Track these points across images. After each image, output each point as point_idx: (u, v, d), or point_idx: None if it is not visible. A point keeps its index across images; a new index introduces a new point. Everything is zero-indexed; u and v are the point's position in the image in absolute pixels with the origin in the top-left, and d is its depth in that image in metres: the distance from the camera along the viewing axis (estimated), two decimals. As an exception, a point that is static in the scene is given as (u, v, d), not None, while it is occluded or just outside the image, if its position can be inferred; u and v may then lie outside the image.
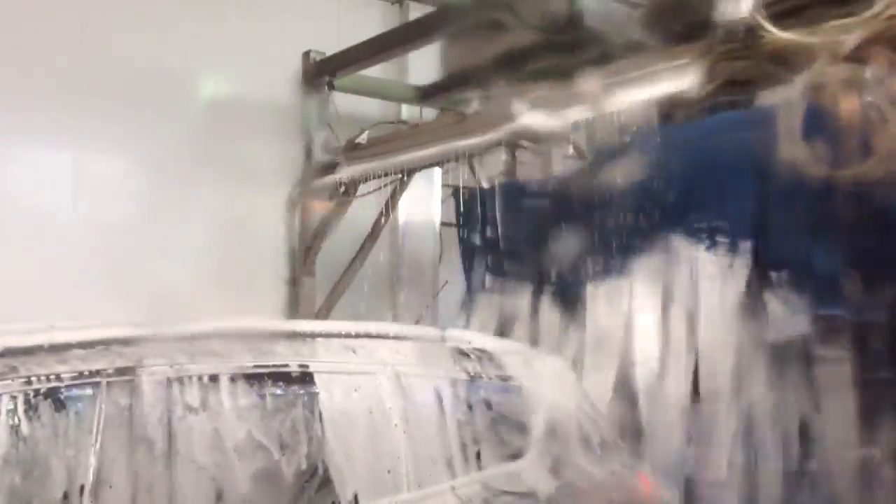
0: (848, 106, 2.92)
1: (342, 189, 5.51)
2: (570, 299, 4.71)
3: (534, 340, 4.81)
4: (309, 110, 5.68)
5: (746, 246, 3.87)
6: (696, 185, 4.07)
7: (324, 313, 5.55)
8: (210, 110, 6.37)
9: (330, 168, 5.40)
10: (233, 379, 2.48)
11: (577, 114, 3.47)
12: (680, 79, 3.11)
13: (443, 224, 6.87)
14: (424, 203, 7.03)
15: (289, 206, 5.82)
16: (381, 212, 6.04)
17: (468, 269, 5.66)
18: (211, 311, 2.79)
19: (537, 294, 4.92)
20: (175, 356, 2.43)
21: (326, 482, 2.52)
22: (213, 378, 2.45)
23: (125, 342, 2.39)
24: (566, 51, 4.49)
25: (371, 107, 6.37)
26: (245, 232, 6.42)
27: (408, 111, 6.49)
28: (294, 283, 5.79)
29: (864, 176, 2.75)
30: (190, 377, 2.41)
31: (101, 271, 5.65)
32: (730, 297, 3.88)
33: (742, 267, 3.86)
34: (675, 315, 3.98)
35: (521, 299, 4.99)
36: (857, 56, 2.84)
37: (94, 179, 5.93)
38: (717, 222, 3.92)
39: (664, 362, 3.95)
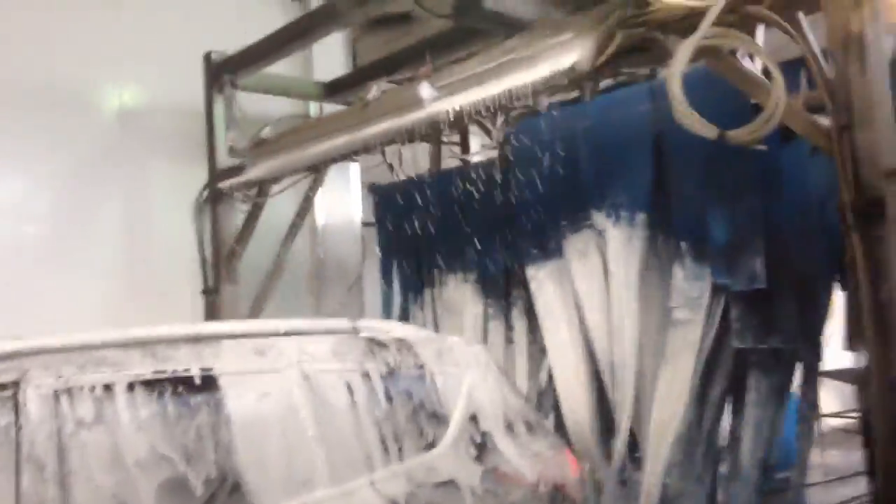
0: (735, 69, 2.95)
1: (254, 191, 5.36)
2: (499, 287, 4.68)
3: (461, 330, 4.78)
4: (213, 112, 5.51)
5: (643, 218, 3.91)
6: (600, 162, 4.10)
7: (252, 318, 5.40)
8: (112, 120, 6.18)
9: (238, 170, 5.25)
10: (130, 387, 2.35)
11: (481, 94, 3.42)
12: (573, 52, 3.09)
13: (365, 224, 6.79)
14: (343, 202, 6.94)
15: (196, 212, 5.63)
16: (297, 212, 5.92)
17: (390, 267, 5.58)
18: (125, 324, 2.66)
19: (463, 284, 4.88)
20: (62, 368, 2.28)
21: (237, 488, 2.41)
22: (108, 388, 2.31)
23: (6, 356, 2.24)
24: (474, 38, 4.48)
25: (277, 106, 6.24)
26: (155, 242, 6.24)
27: (315, 109, 6.39)
28: (212, 292, 5.60)
29: (752, 137, 2.78)
30: (81, 388, 2.27)
31: (7, 290, 5.41)
32: (631, 271, 3.92)
33: (640, 239, 3.90)
34: (609, 292, 4.00)
35: (449, 291, 4.94)
36: (742, 17, 2.87)
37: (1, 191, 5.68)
38: (620, 197, 3.95)
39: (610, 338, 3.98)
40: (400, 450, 2.82)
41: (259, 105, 5.91)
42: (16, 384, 2.19)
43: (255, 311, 5.74)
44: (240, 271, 5.75)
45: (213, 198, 5.50)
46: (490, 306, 4.73)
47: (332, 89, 5.81)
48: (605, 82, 4.66)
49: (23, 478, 2.09)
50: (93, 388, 2.29)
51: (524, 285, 4.54)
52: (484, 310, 4.75)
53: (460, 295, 4.97)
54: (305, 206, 5.97)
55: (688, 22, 2.92)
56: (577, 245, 4.24)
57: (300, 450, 2.58)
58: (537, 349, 4.50)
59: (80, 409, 2.25)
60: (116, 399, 2.32)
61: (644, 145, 3.89)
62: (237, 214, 5.65)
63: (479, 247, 4.87)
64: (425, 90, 3.60)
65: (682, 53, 2.76)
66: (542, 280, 4.41)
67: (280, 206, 5.99)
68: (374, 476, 2.69)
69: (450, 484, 2.81)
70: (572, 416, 4.18)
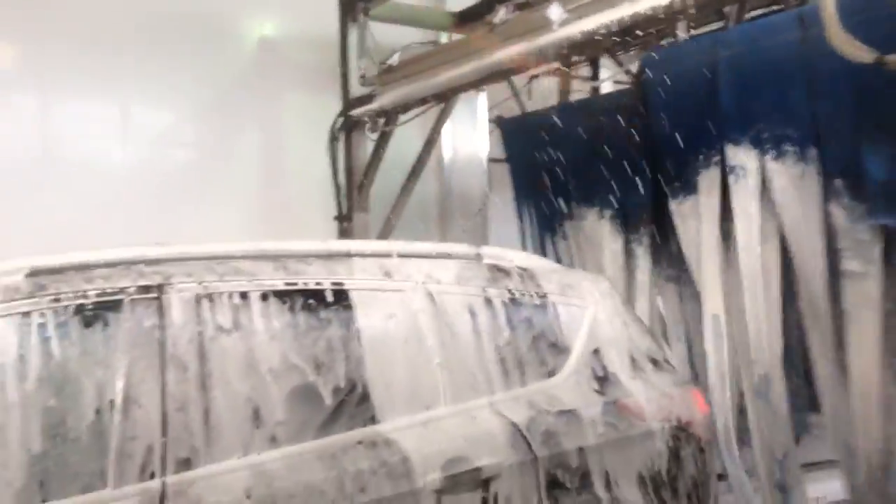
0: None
1: (382, 121, 5.41)
2: (638, 221, 4.54)
3: (599, 265, 4.68)
4: (346, 42, 5.57)
5: (791, 152, 3.64)
6: (743, 93, 3.84)
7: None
8: (251, 51, 6.38)
9: (368, 98, 5.30)
10: (264, 297, 2.45)
11: (614, 16, 3.24)
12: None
13: (491, 161, 6.75)
14: (470, 135, 6.92)
15: (330, 141, 5.76)
16: (425, 143, 5.95)
17: (523, 202, 5.51)
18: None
19: (600, 219, 4.75)
20: (202, 275, 2.40)
21: (364, 398, 2.49)
22: (244, 296, 2.42)
23: (151, 262, 2.38)
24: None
25: (408, 36, 6.23)
26: (290, 169, 6.46)
27: (446, 39, 6.33)
28: (344, 218, 5.76)
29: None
30: (220, 295, 2.39)
31: (150, 215, 5.77)
32: (806, 209, 3.66)
33: (812, 176, 3.63)
34: (760, 229, 3.78)
35: (585, 227, 4.83)
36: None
37: (143, 126, 6.03)
38: (765, 130, 3.68)
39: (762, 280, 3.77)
40: (520, 375, 2.81)
41: (391, 35, 5.92)
42: (158, 288, 2.32)
43: (383, 238, 5.86)
44: (370, 200, 5.86)
45: (346, 127, 5.60)
46: (630, 241, 4.59)
47: (463, 19, 5.71)
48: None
49: (167, 377, 2.23)
50: (231, 296, 2.40)
51: (661, 220, 4.38)
52: (623, 245, 4.61)
53: (597, 230, 4.84)
54: (433, 138, 5.99)
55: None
56: (710, 181, 4.03)
57: (423, 367, 2.62)
58: (677, 284, 4.33)
59: (219, 315, 2.36)
60: (252, 307, 2.42)
61: (793, 75, 3.60)
62: (369, 143, 5.73)
63: (613, 180, 4.71)
64: (555, 11, 3.46)
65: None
66: (684, 215, 4.24)
67: (409, 139, 6.04)
68: (493, 398, 2.71)
69: (570, 413, 2.79)
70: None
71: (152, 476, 2.12)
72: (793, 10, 3.76)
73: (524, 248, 5.52)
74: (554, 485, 2.67)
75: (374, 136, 5.56)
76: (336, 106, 5.96)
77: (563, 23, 3.43)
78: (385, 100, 5.02)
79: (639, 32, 3.28)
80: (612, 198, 4.69)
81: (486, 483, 2.54)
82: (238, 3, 6.30)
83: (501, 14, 3.85)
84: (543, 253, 5.22)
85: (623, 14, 3.19)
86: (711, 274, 3.90)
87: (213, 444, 2.22)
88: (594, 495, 2.74)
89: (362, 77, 5.33)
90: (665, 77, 4.19)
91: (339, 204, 5.88)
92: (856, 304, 3.41)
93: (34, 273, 2.22)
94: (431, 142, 5.98)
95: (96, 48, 5.69)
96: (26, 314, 2.13)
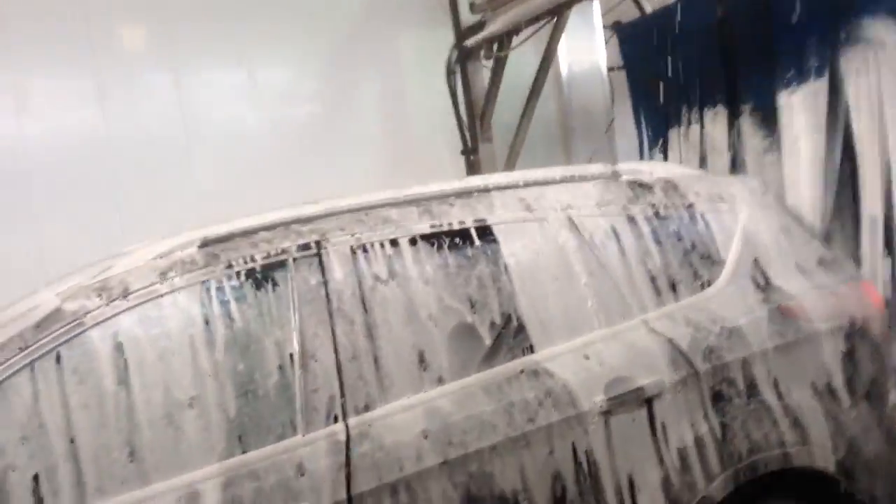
0: None
1: (496, 47, 5.32)
2: (767, 115, 4.29)
3: (735, 168, 4.49)
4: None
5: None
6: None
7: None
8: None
9: (480, 26, 5.21)
10: (413, 242, 2.52)
11: None
12: None
13: (610, 69, 6.52)
14: (587, 47, 6.69)
15: (447, 74, 5.74)
16: (541, 63, 5.81)
17: (643, 108, 5.33)
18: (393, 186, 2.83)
19: (731, 118, 4.53)
20: (353, 227, 2.50)
21: (521, 329, 2.54)
22: (394, 243, 2.50)
23: (305, 220, 2.49)
24: None
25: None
26: (411, 109, 6.49)
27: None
28: (470, 151, 5.77)
29: None
30: (372, 245, 2.48)
31: (286, 172, 5.98)
32: None
33: None
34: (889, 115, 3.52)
35: (716, 128, 4.62)
36: None
37: (268, 88, 6.20)
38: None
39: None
40: (673, 291, 2.77)
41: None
42: (316, 245, 2.43)
43: (509, 166, 5.85)
44: (493, 128, 5.83)
45: (461, 58, 5.55)
46: (768, 138, 4.37)
47: None
48: None
49: (336, 329, 2.35)
50: (382, 245, 2.49)
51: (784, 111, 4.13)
52: (761, 143, 4.40)
53: (729, 130, 4.63)
54: (548, 55, 5.83)
55: None
56: (850, 62, 3.74)
57: (573, 294, 2.64)
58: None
59: (375, 265, 2.46)
60: (404, 254, 2.50)
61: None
62: (485, 72, 5.67)
63: (748, 75, 4.45)
64: None
65: None
66: (793, 105, 3.98)
67: (525, 60, 5.92)
68: (647, 316, 2.69)
69: (729, 323, 2.73)
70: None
71: (336, 421, 2.27)
72: None
73: (644, 157, 5.37)
74: (719, 397, 2.64)
75: (490, 63, 5.49)
76: (448, 38, 5.91)
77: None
78: (497, 25, 4.94)
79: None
80: (750, 93, 4.45)
81: (649, 401, 2.55)
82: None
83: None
84: (665, 159, 5.05)
85: None
86: (871, 170, 3.65)
87: (386, 388, 2.34)
88: (763, 403, 2.69)
89: (472, 4, 5.24)
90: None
91: (463, 137, 5.89)
92: None
93: (205, 244, 2.37)
94: (547, 60, 5.84)
95: (217, 19, 5.86)
96: (205, 283, 2.30)
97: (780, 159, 4.31)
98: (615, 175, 2.96)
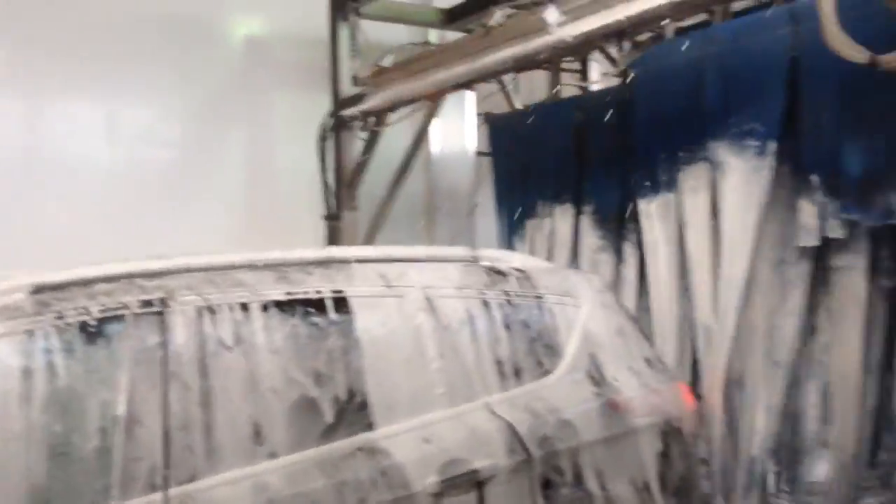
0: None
1: (372, 120, 5.43)
2: (613, 218, 4.60)
3: (572, 261, 4.75)
4: (337, 41, 5.58)
5: (772, 147, 3.70)
6: (729, 89, 3.89)
7: (366, 244, 5.56)
8: (239, 50, 6.36)
9: (359, 98, 5.31)
10: (265, 308, 2.48)
11: (609, 18, 3.28)
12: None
13: (480, 154, 6.78)
14: (458, 131, 6.94)
15: (319, 141, 5.78)
16: (413, 141, 5.96)
17: (505, 196, 5.56)
18: (250, 250, 2.79)
19: (578, 216, 4.81)
20: (203, 288, 2.43)
21: (364, 406, 2.53)
22: (245, 308, 2.45)
23: (151, 275, 2.40)
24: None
25: (398, 34, 6.25)
26: (278, 169, 6.47)
27: (435, 37, 6.35)
28: (332, 217, 5.78)
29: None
30: (221, 306, 2.41)
31: (138, 216, 5.77)
32: (752, 205, 3.74)
33: (766, 170, 3.70)
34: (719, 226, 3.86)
35: (563, 223, 4.89)
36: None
37: (129, 127, 6.03)
38: (748, 125, 3.74)
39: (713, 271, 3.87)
40: (517, 377, 2.86)
41: (381, 32, 5.93)
42: (159, 302, 2.34)
43: (371, 237, 5.90)
44: (359, 199, 5.89)
45: (337, 126, 5.61)
46: (602, 238, 4.66)
47: (453, 16, 5.74)
48: (739, 4, 4.41)
49: (170, 394, 2.25)
50: (231, 308, 2.43)
51: (637, 219, 4.44)
52: (597, 242, 4.68)
53: (572, 226, 4.92)
54: (421, 135, 6.00)
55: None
56: (690, 179, 4.10)
57: (421, 373, 2.67)
58: (645, 284, 4.42)
59: (221, 329, 2.39)
60: (253, 320, 2.45)
61: (779, 71, 3.66)
62: (357, 143, 5.75)
63: (594, 178, 4.78)
64: (552, 14, 3.49)
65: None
66: (651, 214, 4.31)
67: (397, 135, 6.05)
68: (490, 399, 2.76)
69: (563, 412, 2.84)
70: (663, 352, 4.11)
71: (155, 491, 2.15)
72: (782, 6, 3.81)
73: (503, 244, 5.59)
74: (549, 484, 2.73)
75: (364, 134, 5.58)
76: (324, 104, 5.97)
77: (560, 25, 3.45)
78: (377, 100, 5.04)
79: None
80: (594, 195, 4.76)
81: (481, 485, 2.59)
82: (225, 1, 6.28)
83: (497, 17, 3.87)
84: (518, 247, 5.29)
85: (618, 16, 3.22)
86: (701, 279, 3.96)
87: (215, 460, 2.25)
88: (587, 493, 2.80)
89: (353, 78, 5.34)
90: (653, 75, 4.24)
91: (327, 203, 5.90)
92: (842, 296, 3.51)
93: (38, 290, 2.23)
94: (420, 138, 6.00)
95: (83, 50, 5.68)
96: (30, 333, 2.16)
97: (616, 260, 4.60)
98: (475, 260, 3.06)
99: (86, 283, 2.30)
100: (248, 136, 6.47)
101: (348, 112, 5.36)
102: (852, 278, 3.46)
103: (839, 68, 2.78)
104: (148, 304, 2.33)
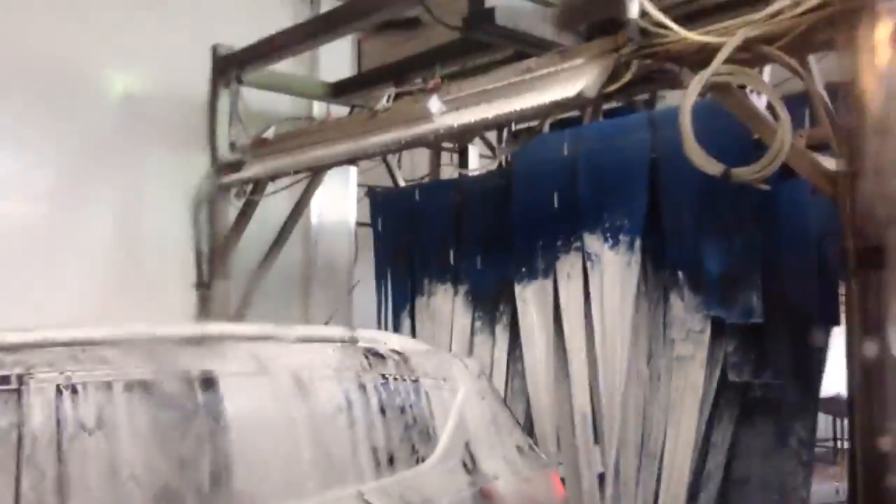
0: (742, 105, 3.00)
1: (250, 188, 5.36)
2: (489, 301, 4.71)
3: (447, 341, 4.80)
4: (216, 106, 5.51)
5: (639, 244, 3.96)
6: (602, 185, 4.15)
7: (239, 316, 5.40)
8: (115, 108, 6.12)
9: (237, 166, 5.25)
10: (129, 388, 2.36)
11: (490, 111, 3.45)
12: (583, 78, 3.13)
13: (359, 224, 6.80)
14: (339, 203, 6.93)
15: (194, 206, 5.63)
16: (292, 211, 5.92)
17: (385, 273, 5.60)
18: (116, 315, 2.66)
19: (455, 296, 4.90)
20: (65, 364, 2.29)
21: (229, 497, 2.43)
22: (109, 387, 2.32)
23: (8, 349, 2.24)
24: (482, 49, 4.51)
25: (281, 103, 6.24)
26: (150, 233, 6.20)
27: (319, 108, 6.39)
28: (204, 286, 5.60)
29: (756, 176, 2.83)
30: (84, 386, 2.27)
31: (7, 272, 5.38)
32: (626, 296, 3.97)
33: (636, 265, 3.94)
34: (592, 314, 4.05)
35: (444, 302, 4.96)
36: (754, 57, 2.92)
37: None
38: (618, 221, 3.99)
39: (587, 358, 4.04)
40: (391, 463, 2.84)
41: (264, 101, 5.91)
42: (17, 378, 2.18)
43: (244, 307, 5.75)
44: (232, 267, 5.75)
45: (211, 191, 5.50)
46: (478, 319, 4.76)
47: (338, 90, 5.82)
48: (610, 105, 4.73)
49: (23, 480, 2.09)
50: (96, 387, 2.29)
51: (512, 302, 4.58)
52: (472, 322, 4.78)
53: (449, 305, 5.00)
54: (301, 205, 5.97)
55: (700, 56, 2.97)
56: (566, 267, 4.29)
57: (293, 459, 2.60)
58: (518, 366, 4.54)
59: (81, 409, 2.25)
60: (116, 400, 2.32)
61: (641, 172, 3.95)
62: (233, 210, 5.65)
63: (471, 259, 4.90)
64: (434, 104, 3.63)
65: (694, 88, 2.80)
66: (527, 299, 4.46)
67: (276, 204, 5.98)
68: (363, 487, 2.71)
69: (436, 500, 2.84)
70: (541, 437, 4.24)
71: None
72: (642, 112, 4.13)
73: (380, 319, 5.60)
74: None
75: (240, 202, 5.49)
76: (201, 168, 5.84)
77: (442, 114, 3.59)
78: (256, 170, 5.01)
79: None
80: (468, 276, 4.88)
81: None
82: (99, 53, 6.06)
83: (383, 102, 3.96)
84: (396, 324, 5.32)
85: (500, 111, 3.38)
86: (579, 367, 4.12)
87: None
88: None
89: (232, 144, 5.28)
90: (531, 166, 4.45)
91: (199, 270, 5.73)
92: (679, 387, 3.74)
93: None
94: (299, 209, 5.97)
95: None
96: None
97: (491, 340, 4.71)
98: (353, 340, 3.04)
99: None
100: (120, 195, 6.18)
101: (226, 179, 5.28)
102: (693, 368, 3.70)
103: (696, 174, 3.01)
104: (5, 380, 2.16)
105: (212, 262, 5.60)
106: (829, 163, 2.91)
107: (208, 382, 2.51)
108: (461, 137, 3.84)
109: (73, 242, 5.87)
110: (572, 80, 3.16)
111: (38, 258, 5.66)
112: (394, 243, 5.47)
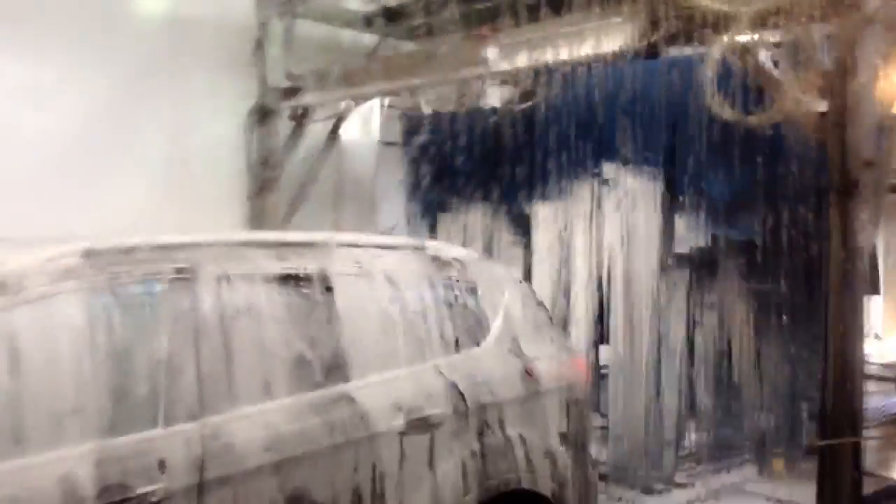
0: (755, 64, 3.62)
1: (300, 112, 5.91)
2: (516, 217, 5.40)
3: (488, 252, 5.52)
4: (268, 34, 6.00)
5: (661, 174, 4.64)
6: (625, 121, 4.78)
7: (285, 225, 6.04)
8: (167, 34, 6.57)
9: (291, 92, 5.78)
10: (268, 280, 3.02)
11: (537, 59, 4.03)
12: (621, 34, 3.72)
13: (384, 143, 7.37)
14: (365, 122, 7.49)
15: (248, 126, 6.18)
16: (330, 132, 6.49)
17: (416, 189, 6.23)
18: (171, 224, 3.26)
19: (492, 213, 5.58)
20: (220, 260, 2.94)
21: (341, 364, 3.13)
22: (251, 278, 2.98)
23: (181, 247, 2.89)
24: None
25: (322, 30, 6.71)
26: (200, 150, 6.74)
27: (370, 39, 6.82)
28: (256, 197, 6.21)
29: (764, 122, 3.47)
30: (235, 277, 2.93)
31: (61, 185, 5.94)
32: (647, 216, 4.67)
33: (658, 192, 4.63)
34: (607, 231, 4.76)
35: (477, 218, 5.64)
36: (767, 22, 3.52)
37: (55, 96, 6.11)
38: (645, 153, 4.65)
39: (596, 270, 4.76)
40: (456, 346, 3.56)
41: (314, 29, 6.37)
42: (189, 270, 2.83)
43: (288, 219, 6.38)
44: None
45: (263, 113, 6.05)
46: (515, 234, 5.46)
47: (389, 18, 6.24)
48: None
49: (198, 347, 2.76)
50: (242, 279, 2.96)
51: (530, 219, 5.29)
52: (509, 237, 5.48)
53: (479, 221, 5.68)
54: (337, 127, 6.54)
55: (719, 20, 3.56)
56: (583, 191, 4.97)
57: (385, 338, 3.30)
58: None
59: (237, 295, 2.91)
60: (261, 289, 2.99)
61: (663, 112, 4.58)
62: (283, 130, 6.21)
63: (501, 180, 5.55)
64: (492, 52, 4.18)
65: (716, 49, 3.41)
66: (542, 216, 5.16)
67: (313, 125, 6.54)
68: (437, 362, 3.44)
69: (491, 374, 3.57)
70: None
71: (191, 421, 2.67)
72: (666, 56, 4.71)
73: (414, 232, 6.25)
74: (482, 431, 3.44)
75: (291, 123, 6.05)
76: (246, 90, 6.37)
77: (497, 61, 4.16)
78: (313, 97, 5.54)
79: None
80: (506, 197, 5.55)
81: (433, 428, 3.27)
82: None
83: (446, 47, 4.50)
84: (429, 237, 6.00)
85: (546, 58, 3.96)
86: (581, 267, 4.86)
87: (235, 400, 2.79)
88: (509, 439, 3.55)
89: (289, 73, 5.80)
90: (559, 99, 5.05)
91: (251, 184, 6.32)
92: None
93: (88, 254, 2.66)
94: (335, 130, 6.54)
95: (11, 13, 5.75)
96: (85, 291, 2.58)
97: (523, 252, 5.43)
98: (423, 248, 3.71)
99: (128, 250, 2.76)
100: (172, 115, 6.70)
101: (282, 104, 5.82)
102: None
103: (708, 116, 3.66)
104: (180, 271, 2.82)
105: (262, 176, 6.20)
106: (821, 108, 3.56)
107: (324, 278, 3.18)
108: (507, 78, 4.40)
109: (131, 158, 6.43)
110: (612, 35, 3.74)
111: (102, 173, 6.23)
112: (428, 164, 6.08)
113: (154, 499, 2.49)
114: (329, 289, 3.19)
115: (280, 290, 3.05)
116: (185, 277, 2.82)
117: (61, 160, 6.09)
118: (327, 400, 3.03)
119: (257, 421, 2.82)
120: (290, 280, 3.10)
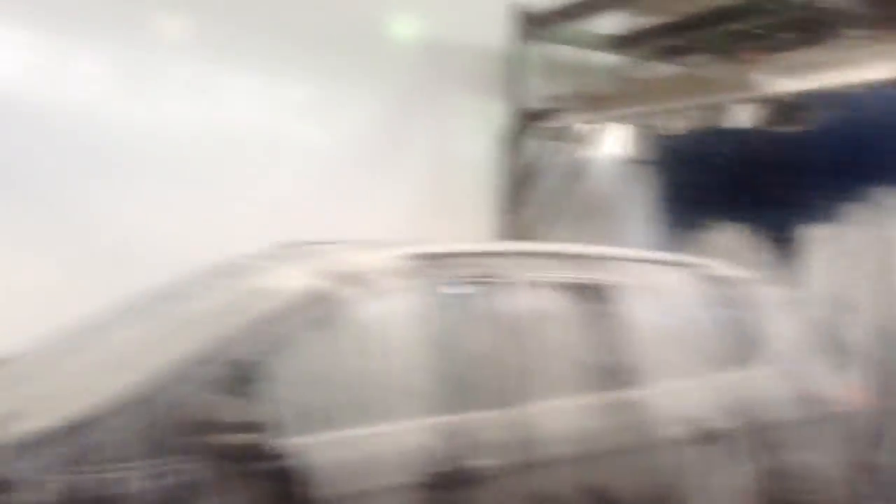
0: None
1: (552, 132, 6.20)
2: (778, 240, 5.34)
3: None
4: (522, 58, 6.34)
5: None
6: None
7: (543, 239, 6.32)
8: (430, 55, 7.10)
9: (543, 114, 6.07)
10: (564, 288, 3.30)
11: (814, 84, 3.99)
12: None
13: (633, 161, 7.46)
14: (614, 141, 7.60)
15: (501, 145, 6.56)
16: (581, 150, 6.73)
17: (667, 208, 6.30)
18: (427, 234, 3.54)
19: (750, 234, 5.56)
20: (519, 269, 3.23)
21: (631, 370, 3.31)
22: (554, 286, 3.27)
23: (489, 255, 3.24)
24: (766, 13, 4.91)
25: (569, 52, 6.95)
26: (453, 168, 7.21)
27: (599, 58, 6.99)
28: (508, 212, 6.58)
29: None
30: (539, 284, 3.23)
31: (337, 194, 6.61)
32: None
33: None
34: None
35: (734, 238, 5.63)
36: None
37: (332, 114, 6.76)
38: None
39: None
40: (727, 364, 3.63)
41: (563, 52, 6.66)
42: (506, 276, 3.15)
43: (545, 232, 6.66)
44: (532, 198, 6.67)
45: (516, 133, 6.42)
46: (774, 255, 5.39)
47: (626, 43, 6.39)
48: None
49: (508, 344, 3.07)
50: (547, 285, 3.26)
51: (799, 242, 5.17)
52: (768, 258, 5.41)
53: (737, 241, 5.65)
54: (587, 145, 6.76)
55: None
56: (857, 214, 4.82)
57: (662, 347, 3.45)
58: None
59: (541, 299, 3.21)
60: (558, 295, 3.27)
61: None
62: (533, 148, 6.54)
63: (761, 201, 5.49)
64: (761, 74, 4.18)
65: None
66: (820, 240, 5.03)
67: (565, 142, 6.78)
68: (713, 377, 3.53)
69: (768, 395, 3.60)
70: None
71: (505, 406, 2.97)
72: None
73: (666, 249, 6.28)
74: (760, 449, 3.49)
75: (542, 144, 6.36)
76: (496, 112, 6.76)
77: (767, 85, 4.17)
78: (571, 119, 5.81)
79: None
80: (757, 216, 5.50)
81: (713, 438, 3.37)
82: (400, 11, 7.01)
83: (709, 71, 4.54)
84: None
85: (825, 83, 3.93)
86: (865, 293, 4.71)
87: (544, 391, 3.08)
88: (786, 459, 3.56)
89: (546, 96, 6.11)
90: (832, 123, 4.94)
91: (508, 198, 6.70)
92: None
93: (424, 258, 3.04)
94: (586, 149, 6.76)
95: (301, 38, 6.48)
96: (411, 289, 2.96)
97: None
98: (698, 266, 3.83)
99: (458, 255, 3.13)
100: (427, 135, 7.21)
101: (534, 124, 6.14)
102: None
103: None
104: (489, 276, 3.16)
105: (516, 193, 6.56)
106: None
107: (613, 289, 3.40)
108: (773, 101, 4.38)
109: (395, 173, 7.00)
110: (885, 62, 3.62)
111: (371, 184, 6.84)
112: (681, 183, 6.14)
113: (486, 473, 2.80)
114: (617, 299, 3.41)
115: (573, 298, 3.31)
116: (494, 282, 3.16)
117: (337, 172, 6.74)
118: (615, 402, 3.23)
119: (562, 415, 3.08)
120: (581, 289, 3.35)
